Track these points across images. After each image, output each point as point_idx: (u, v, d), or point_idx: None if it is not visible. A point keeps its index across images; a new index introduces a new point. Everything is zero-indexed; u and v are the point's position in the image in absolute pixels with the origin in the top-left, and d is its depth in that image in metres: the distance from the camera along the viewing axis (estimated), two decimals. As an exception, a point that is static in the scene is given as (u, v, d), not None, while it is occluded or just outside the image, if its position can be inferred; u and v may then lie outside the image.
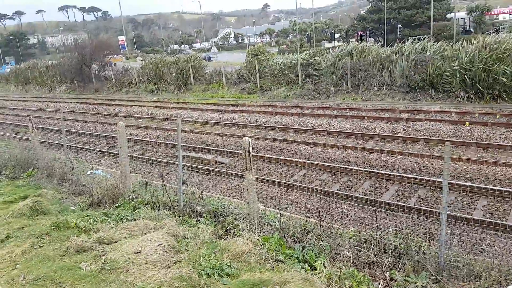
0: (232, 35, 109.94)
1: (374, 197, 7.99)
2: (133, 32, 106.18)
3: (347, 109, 16.24)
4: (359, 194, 8.28)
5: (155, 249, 3.61)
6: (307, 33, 65.12)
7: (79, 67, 33.34)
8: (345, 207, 7.94)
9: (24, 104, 30.11)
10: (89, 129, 18.28)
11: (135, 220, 4.82)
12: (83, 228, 4.47)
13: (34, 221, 4.93)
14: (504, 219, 6.71)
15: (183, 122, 17.65)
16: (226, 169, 10.83)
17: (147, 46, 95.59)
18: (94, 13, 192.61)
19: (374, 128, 13.24)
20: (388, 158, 10.38)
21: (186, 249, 3.92)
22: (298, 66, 21.09)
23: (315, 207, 7.95)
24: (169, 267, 3.45)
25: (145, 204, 6.23)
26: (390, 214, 7.36)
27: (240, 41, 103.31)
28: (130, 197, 6.58)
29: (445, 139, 11.23)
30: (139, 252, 3.59)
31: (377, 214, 7.26)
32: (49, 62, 46.08)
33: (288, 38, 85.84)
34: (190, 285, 3.15)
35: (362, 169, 9.50)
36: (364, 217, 7.38)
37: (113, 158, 12.85)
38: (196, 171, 10.55)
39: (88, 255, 3.79)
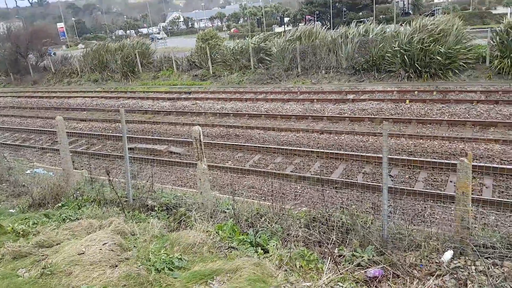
0: (181, 19, 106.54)
1: (324, 176, 8.30)
2: (73, 19, 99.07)
3: (298, 92, 16.52)
4: (311, 174, 8.54)
5: (100, 249, 3.46)
6: (258, 17, 64.85)
7: (14, 58, 30.65)
8: (298, 187, 8.16)
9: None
10: (28, 125, 17.03)
11: (78, 219, 4.58)
12: (21, 233, 4.17)
13: (-36, 229, 4.51)
14: (442, 189, 7.25)
15: (132, 112, 17.00)
16: (180, 159, 10.63)
17: (90, 33, 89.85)
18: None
19: (323, 110, 13.62)
20: (336, 138, 10.78)
21: (134, 246, 3.80)
22: (249, 51, 20.98)
23: (270, 191, 8.08)
24: (116, 266, 3.33)
25: (91, 201, 5.94)
26: (339, 191, 7.70)
27: (190, 26, 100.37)
28: (74, 195, 6.24)
29: (388, 117, 11.84)
30: (83, 253, 3.42)
31: (326, 192, 7.57)
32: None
33: (239, 22, 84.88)
34: (139, 283, 3.07)
35: (313, 150, 9.78)
36: (316, 196, 7.63)
37: (56, 155, 12.08)
38: (148, 163, 10.25)
39: (26, 261, 3.54)
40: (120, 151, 11.91)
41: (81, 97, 22.05)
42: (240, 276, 3.08)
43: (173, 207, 5.73)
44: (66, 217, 4.79)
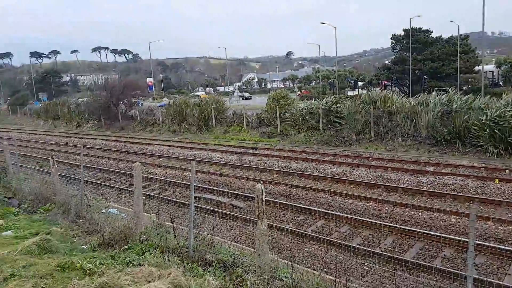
0: (256, 79, 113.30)
1: (396, 255, 7.50)
2: (161, 75, 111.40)
3: (370, 158, 15.89)
4: (381, 250, 7.80)
5: (157, 302, 3.37)
6: (330, 80, 66.29)
7: (107, 105, 34.80)
8: (365, 264, 7.46)
9: (52, 139, 31.28)
10: (111, 166, 18.59)
11: (141, 265, 4.62)
12: (88, 271, 4.31)
13: (40, 260, 4.81)
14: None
15: (202, 163, 17.72)
16: (241, 214, 10.57)
17: (174, 88, 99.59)
18: (125, 55, 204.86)
19: (398, 180, 12.78)
20: (413, 213, 9.87)
21: (190, 304, 3.65)
22: (319, 112, 21.16)
23: (333, 262, 7.50)
24: (169, 324, 3.19)
25: (155, 247, 6.03)
26: (413, 275, 6.84)
27: (263, 86, 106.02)
28: (141, 239, 6.41)
29: (473, 196, 10.67)
30: (140, 304, 3.36)
31: (398, 273, 6.76)
32: (79, 100, 48.43)
33: (310, 84, 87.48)
34: None
35: (384, 223, 9.04)
36: (385, 276, 6.86)
37: (131, 196, 12.84)
38: (211, 214, 10.34)
39: (87, 303, 3.58)
40: (187, 199, 12.28)
41: (160, 145, 23.77)
42: None
43: (230, 265, 5.55)
44: (129, 261, 4.88)
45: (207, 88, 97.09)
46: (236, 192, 12.40)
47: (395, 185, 12.07)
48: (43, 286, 4.01)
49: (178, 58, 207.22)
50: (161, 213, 10.31)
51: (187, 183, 13.96)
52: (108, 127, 34.21)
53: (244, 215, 10.46)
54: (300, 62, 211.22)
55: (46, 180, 10.92)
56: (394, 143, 17.54)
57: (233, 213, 10.67)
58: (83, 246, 6.48)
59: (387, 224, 8.95)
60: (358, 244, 8.21)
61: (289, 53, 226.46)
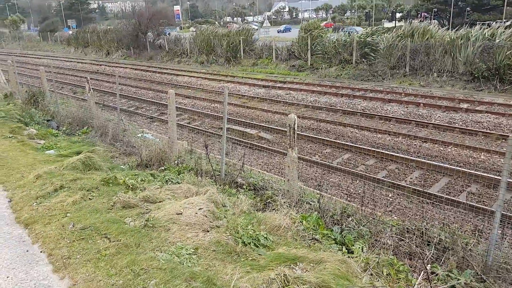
0: (287, 9, 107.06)
1: (423, 188, 7.60)
2: (188, 3, 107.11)
3: (403, 94, 15.38)
4: (407, 184, 7.92)
5: (196, 213, 3.69)
6: (366, 10, 61.87)
7: (135, 34, 34.41)
8: (390, 195, 7.65)
9: (83, 66, 31.83)
10: (142, 95, 19.00)
11: (179, 183, 4.97)
12: (131, 186, 4.68)
13: (85, 175, 5.25)
14: None
15: (230, 95, 17.74)
16: (268, 145, 10.79)
17: (201, 17, 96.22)
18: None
19: (430, 116, 12.45)
20: (442, 149, 9.76)
21: (225, 217, 3.97)
22: (353, 45, 20.14)
23: (358, 193, 7.73)
24: (208, 231, 3.52)
25: (189, 170, 6.39)
26: (438, 207, 6.99)
27: (294, 16, 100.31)
28: (176, 162, 6.78)
29: (506, 134, 10.32)
30: (181, 214, 3.69)
31: (424, 205, 6.93)
32: (108, 27, 47.98)
33: (345, 15, 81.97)
34: (226, 251, 3.20)
35: (412, 158, 9.03)
36: (410, 208, 7.06)
37: (162, 124, 13.30)
38: (239, 144, 10.63)
39: (133, 211, 3.97)
40: (216, 129, 12.59)
41: (188, 76, 23.77)
42: (324, 268, 2.99)
43: (260, 188, 5.85)
44: (168, 179, 5.23)
45: (235, 18, 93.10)
46: (263, 125, 12.54)
47: (426, 121, 11.79)
48: (90, 198, 4.43)
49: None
50: (191, 141, 10.73)
51: (215, 114, 14.19)
52: (137, 56, 34.24)
53: (271, 146, 10.67)
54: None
55: (82, 104, 11.37)
56: (429, 79, 16.74)
57: (260, 144, 10.91)
58: (122, 166, 6.95)
59: (414, 158, 8.94)
60: (383, 177, 8.33)
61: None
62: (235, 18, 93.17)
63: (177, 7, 71.82)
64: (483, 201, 7.12)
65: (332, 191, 7.95)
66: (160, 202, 4.15)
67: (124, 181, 4.80)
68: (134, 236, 3.43)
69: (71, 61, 36.07)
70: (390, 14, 57.75)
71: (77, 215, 3.96)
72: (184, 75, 24.11)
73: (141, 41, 34.66)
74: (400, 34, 18.53)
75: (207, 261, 3.06)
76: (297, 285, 2.63)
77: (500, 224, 5.36)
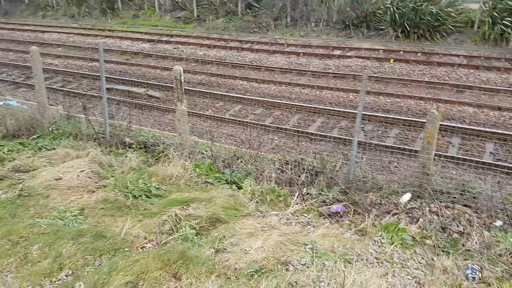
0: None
1: (301, 129, 8.49)
2: None
3: (285, 44, 16.20)
4: (289, 126, 8.72)
5: (78, 175, 3.53)
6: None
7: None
8: (276, 138, 8.35)
9: None
10: (1, 58, 16.11)
11: (55, 149, 4.59)
12: (-4, 159, 4.16)
13: None
14: (411, 145, 7.59)
15: (111, 52, 16.30)
16: (159, 104, 10.50)
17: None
18: None
19: (308, 64, 13.52)
20: (318, 93, 10.86)
21: (112, 176, 3.89)
22: (237, -5, 19.98)
23: (248, 140, 8.22)
24: (94, 192, 3.43)
25: (67, 136, 5.90)
26: (314, 142, 7.97)
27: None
28: (50, 128, 6.17)
29: (371, 75, 11.94)
30: (60, 179, 3.48)
31: (303, 144, 7.80)
32: None
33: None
34: (116, 207, 3.19)
35: (293, 103, 9.87)
36: (293, 147, 7.84)
37: (30, 90, 11.65)
38: (126, 105, 10.07)
39: (3, 184, 3.58)
40: (97, 90, 11.58)
41: (57, 32, 20.81)
42: (215, 204, 3.25)
43: (151, 145, 5.78)
44: (42, 146, 4.79)
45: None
46: (151, 82, 12.03)
47: (305, 69, 12.83)
48: None
49: None
50: (68, 106, 9.73)
51: (94, 74, 12.97)
52: (-14, 12, 28.33)
53: (161, 105, 10.41)
54: None
55: None
56: (308, 29, 17.90)
57: (149, 103, 10.53)
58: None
59: (295, 104, 9.80)
60: (270, 123, 8.99)
61: None
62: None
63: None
64: (352, 134, 8.30)
65: (225, 141, 8.32)
66: (34, 170, 3.81)
67: (-14, 154, 4.23)
68: (7, 207, 3.14)
69: None
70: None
71: None
72: (51, 32, 21.02)
73: (-11, -8, 28.60)
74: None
75: (95, 219, 3.03)
76: (189, 221, 2.82)
77: (361, 151, 6.44)
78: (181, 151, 5.41)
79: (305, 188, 4.39)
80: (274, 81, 11.84)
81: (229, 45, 16.41)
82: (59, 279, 2.42)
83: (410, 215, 3.87)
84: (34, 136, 5.70)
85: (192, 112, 9.42)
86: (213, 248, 2.90)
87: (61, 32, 20.62)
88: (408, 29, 15.14)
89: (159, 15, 22.51)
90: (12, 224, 2.91)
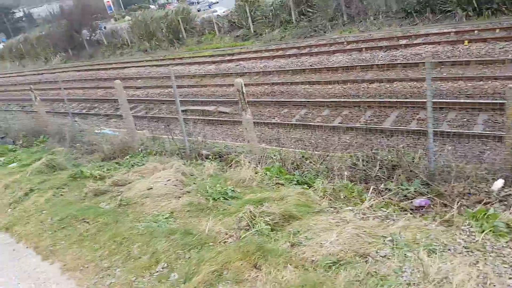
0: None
1: (374, 125, 8.20)
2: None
3: (345, 43, 15.93)
4: (361, 124, 8.48)
5: (165, 184, 3.97)
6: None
7: (69, 34, 32.63)
8: (347, 138, 8.20)
9: (24, 79, 30.03)
10: (91, 95, 18.43)
11: (144, 165, 5.19)
12: (98, 176, 4.87)
13: (52, 176, 5.35)
14: (502, 130, 6.89)
15: (181, 77, 17.62)
16: (229, 118, 11.04)
17: (134, 4, 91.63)
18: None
19: (373, 58, 13.11)
20: (388, 86, 10.42)
21: (194, 183, 4.28)
22: (290, 4, 20.30)
23: (318, 142, 8.23)
24: (180, 197, 3.82)
25: (154, 154, 6.58)
26: (390, 140, 7.62)
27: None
28: (139, 149, 6.94)
29: (444, 60, 11.15)
30: (151, 188, 3.95)
31: (377, 141, 7.53)
32: (39, 33, 44.99)
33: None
34: (199, 209, 3.53)
35: (362, 100, 9.61)
36: (366, 145, 7.64)
37: (119, 120, 13.12)
38: (200, 123, 10.81)
39: (105, 197, 4.19)
40: (175, 113, 12.63)
41: (134, 66, 23.14)
42: (287, 202, 3.39)
43: (224, 154, 6.18)
44: (134, 163, 5.44)
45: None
46: (220, 100, 12.71)
47: (370, 64, 12.44)
48: (62, 194, 4.59)
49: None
50: (152, 130, 10.77)
51: (171, 99, 14.14)
52: (77, 57, 32.65)
53: (231, 118, 10.93)
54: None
55: (33, 115, 11.00)
56: (367, 23, 17.38)
57: (221, 118, 11.14)
58: (86, 165, 7.00)
59: (364, 100, 9.54)
60: (339, 123, 8.88)
61: None
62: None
63: (107, -2, 68.02)
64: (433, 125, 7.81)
65: (294, 146, 8.44)
66: (129, 183, 4.38)
67: (91, 174, 4.96)
68: (111, 215, 3.69)
69: (10, 76, 33.84)
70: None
71: (52, 210, 4.15)
72: (130, 67, 23.44)
73: (77, 41, 32.96)
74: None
75: (183, 220, 3.39)
76: (263, 217, 3.02)
77: (438, 140, 6.06)
78: (251, 157, 5.69)
79: (382, 184, 4.30)
80: (338, 80, 11.68)
81: (287, 53, 16.66)
82: (157, 271, 2.79)
83: (506, 203, 3.56)
84: (127, 157, 6.47)
85: (259, 122, 9.75)
86: (289, 242, 3.03)
87: (137, 66, 22.88)
88: (479, 6, 13.85)
89: (219, 37, 23.76)
90: (116, 229, 3.42)
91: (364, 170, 4.66)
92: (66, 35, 32.76)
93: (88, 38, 33.05)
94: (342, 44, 15.80)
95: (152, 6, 60.50)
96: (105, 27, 37.64)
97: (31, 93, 10.14)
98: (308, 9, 19.80)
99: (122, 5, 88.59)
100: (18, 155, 8.06)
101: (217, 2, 50.85)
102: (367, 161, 4.93)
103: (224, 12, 28.74)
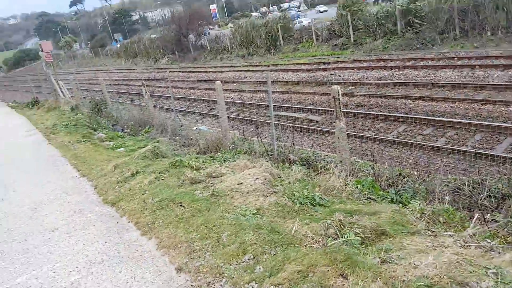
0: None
1: (484, 151, 7.34)
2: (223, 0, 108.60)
3: (455, 58, 14.61)
4: (467, 148, 7.67)
5: (254, 181, 4.08)
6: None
7: (177, 38, 35.92)
8: (451, 162, 7.48)
9: (135, 75, 33.92)
10: (191, 95, 19.97)
11: (235, 161, 5.42)
12: (194, 167, 5.23)
13: (155, 162, 5.91)
14: None
15: (274, 83, 18.03)
16: (318, 127, 10.93)
17: (237, 12, 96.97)
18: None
19: (487, 77, 11.77)
20: (503, 109, 9.25)
21: (281, 185, 4.32)
22: (396, 14, 19.34)
23: (415, 163, 7.65)
24: (267, 196, 3.89)
25: (244, 153, 6.84)
26: (501, 166, 6.72)
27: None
28: (230, 147, 7.28)
29: None
30: (241, 184, 4.10)
31: (486, 168, 6.70)
32: (152, 36, 50.43)
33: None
34: (285, 210, 3.54)
35: (472, 121, 8.69)
36: (472, 171, 6.87)
37: (213, 119, 13.98)
38: (289, 129, 10.88)
39: (200, 186, 4.48)
40: (264, 117, 12.97)
41: (232, 71, 24.44)
42: (379, 218, 3.21)
43: (312, 162, 6.11)
44: (226, 159, 5.73)
45: (271, 7, 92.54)
46: (311, 108, 12.66)
47: (483, 83, 11.17)
48: (162, 178, 5.03)
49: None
50: (242, 131, 11.19)
51: (262, 103, 14.57)
52: (182, 59, 35.74)
53: (320, 127, 10.79)
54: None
55: (141, 107, 12.33)
56: (483, 39, 15.66)
57: (310, 126, 11.08)
58: (184, 155, 7.58)
59: (474, 122, 8.60)
60: (443, 144, 8.13)
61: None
62: (271, 7, 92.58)
63: (213, 6, 73.21)
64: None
65: (388, 163, 7.94)
66: (221, 176, 4.62)
67: (188, 163, 5.36)
68: (204, 203, 3.92)
69: (123, 72, 38.57)
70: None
71: (154, 191, 4.58)
72: (228, 71, 24.81)
73: (184, 44, 36.09)
74: (445, -5, 17.49)
75: (269, 218, 3.43)
76: (353, 228, 2.89)
77: None
78: (341, 167, 5.52)
79: (488, 214, 3.82)
80: (445, 98, 10.73)
81: (389, 65, 15.87)
82: (243, 261, 2.87)
83: None
84: (219, 153, 6.85)
85: (352, 134, 9.44)
86: (379, 257, 2.87)
87: (235, 71, 24.11)
88: None
89: (316, 46, 23.74)
90: (208, 216, 3.63)
91: (469, 196, 4.18)
92: (174, 39, 36.16)
93: (193, 42, 35.95)
94: (452, 60, 14.51)
95: (254, 14, 63.05)
96: (209, 33, 40.55)
97: (142, 88, 11.35)
98: (416, 20, 18.63)
99: (226, 13, 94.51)
100: (126, 141, 9.07)
101: (326, 11, 50.97)
102: (473, 187, 4.42)
103: (308, 23, 28.93)
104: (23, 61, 77.94)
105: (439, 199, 4.32)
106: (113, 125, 11.74)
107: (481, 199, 4.16)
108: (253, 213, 3.51)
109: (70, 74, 19.29)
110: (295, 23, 29.81)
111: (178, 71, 29.98)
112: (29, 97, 19.12)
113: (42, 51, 18.29)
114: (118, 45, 58.87)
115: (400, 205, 4.17)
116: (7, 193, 6.02)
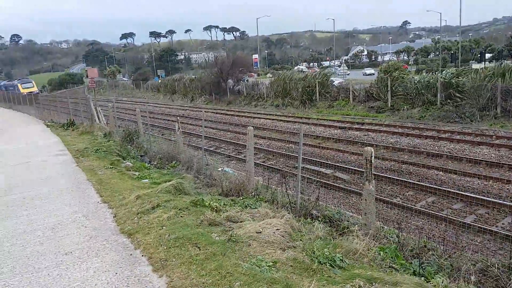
0: (365, 52, 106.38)
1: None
2: (266, 51, 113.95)
3: (494, 136, 14.26)
4: (498, 229, 7.25)
5: (274, 232, 3.96)
6: (452, 51, 59.24)
7: (217, 81, 37.52)
8: (478, 241, 7.06)
9: (170, 111, 35.26)
10: (221, 136, 20.38)
11: (257, 208, 5.33)
12: (215, 208, 5.19)
13: (177, 198, 5.91)
14: None
15: (305, 136, 18.12)
16: (344, 185, 10.72)
17: (278, 64, 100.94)
18: (234, 32, 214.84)
19: (527, 159, 11.32)
20: (541, 194, 8.77)
21: (300, 240, 4.17)
22: (437, 86, 19.42)
23: (442, 236, 7.27)
24: (285, 250, 3.75)
25: (265, 201, 6.74)
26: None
27: (373, 59, 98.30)
28: (253, 193, 7.21)
29: None
30: (260, 232, 3.99)
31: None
32: (193, 76, 52.97)
33: (428, 57, 78.64)
34: (303, 267, 3.37)
35: (504, 202, 8.28)
36: (500, 253, 6.41)
37: (239, 163, 14.06)
38: (314, 184, 10.74)
39: (218, 228, 4.40)
40: (290, 168, 12.91)
41: (264, 118, 24.94)
42: (402, 290, 2.99)
43: (335, 220, 5.91)
44: (247, 205, 5.65)
45: (311, 63, 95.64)
46: (339, 165, 12.53)
47: (522, 165, 10.74)
48: (182, 215, 5.00)
49: (283, 33, 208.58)
50: (266, 179, 11.14)
51: (290, 154, 14.59)
52: (218, 101, 37.00)
53: (347, 186, 10.59)
54: (417, 32, 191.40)
55: (171, 142, 12.65)
56: (526, 120, 15.29)
57: (336, 183, 10.89)
58: (206, 195, 7.57)
59: (507, 203, 8.18)
60: (472, 222, 7.74)
61: (405, 23, 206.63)
62: (311, 64, 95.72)
63: (255, 56, 76.71)
64: None
65: (413, 233, 7.59)
66: (241, 222, 4.53)
67: (209, 204, 5.33)
68: (220, 247, 3.82)
69: (160, 107, 40.25)
70: (478, 55, 54.39)
71: (171, 228, 4.53)
72: (260, 118, 25.33)
73: (222, 87, 37.56)
74: (489, 74, 17.48)
75: (285, 273, 3.27)
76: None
77: None
78: (365, 231, 5.30)
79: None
80: (479, 174, 10.37)
81: (424, 134, 15.67)
82: (253, 317, 2.70)
83: None
84: (241, 198, 6.79)
85: (379, 198, 9.17)
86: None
87: (267, 118, 24.58)
88: None
89: (352, 105, 23.97)
90: (222, 261, 3.52)
91: (496, 279, 3.86)
92: (214, 81, 37.78)
93: (231, 87, 37.37)
94: (491, 137, 14.17)
95: (297, 67, 64.93)
96: (247, 80, 42.12)
97: (176, 123, 11.73)
98: (457, 94, 18.59)
99: (267, 63, 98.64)
100: (151, 173, 9.23)
101: (373, 74, 52.04)
102: (502, 270, 4.11)
103: (339, 83, 29.65)
104: (67, 83, 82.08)
105: (464, 278, 4.03)
106: (141, 156, 12.03)
107: (510, 285, 3.84)
108: (269, 265, 3.37)
109: (110, 102, 20.33)
110: (333, 81, 30.56)
111: (212, 112, 30.93)
112: (66, 118, 20.12)
113: (87, 76, 19.47)
114: (159, 80, 62.05)
115: (423, 278, 3.92)
116: (28, 209, 6.18)
